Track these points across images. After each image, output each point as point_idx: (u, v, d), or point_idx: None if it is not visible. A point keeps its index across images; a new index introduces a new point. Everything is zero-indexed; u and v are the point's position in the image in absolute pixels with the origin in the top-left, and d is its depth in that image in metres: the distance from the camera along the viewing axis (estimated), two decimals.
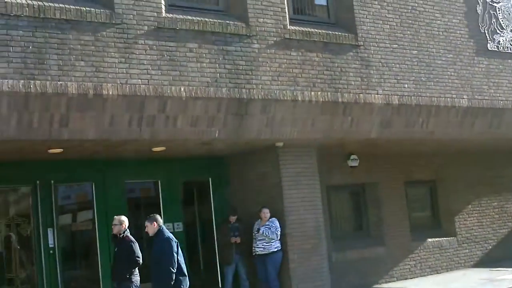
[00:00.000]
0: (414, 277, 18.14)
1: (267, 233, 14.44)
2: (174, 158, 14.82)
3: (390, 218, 18.04)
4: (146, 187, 15.42)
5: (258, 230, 14.57)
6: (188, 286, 10.76)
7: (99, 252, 14.12)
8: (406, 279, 17.95)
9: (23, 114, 10.85)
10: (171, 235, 10.78)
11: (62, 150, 12.62)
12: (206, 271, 15.77)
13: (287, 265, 14.61)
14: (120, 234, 11.42)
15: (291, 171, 14.88)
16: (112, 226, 11.63)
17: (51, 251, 13.57)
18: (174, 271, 10.44)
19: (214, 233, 15.61)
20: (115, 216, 11.78)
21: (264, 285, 14.60)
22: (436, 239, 19.00)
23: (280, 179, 14.75)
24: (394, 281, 17.71)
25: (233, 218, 14.97)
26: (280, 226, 14.52)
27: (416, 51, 15.54)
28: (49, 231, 13.62)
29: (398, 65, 15.14)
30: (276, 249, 14.50)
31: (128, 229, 11.56)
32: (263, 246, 14.57)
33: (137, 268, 11.38)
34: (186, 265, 14.82)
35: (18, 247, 13.59)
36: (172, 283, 10.40)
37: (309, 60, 13.91)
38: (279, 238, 14.47)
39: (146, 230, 11.00)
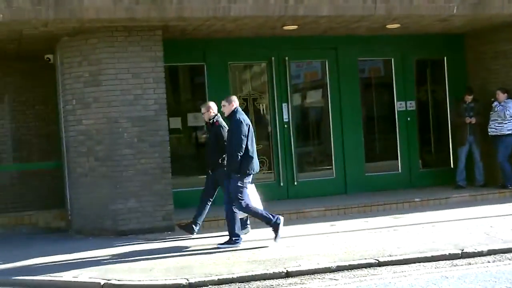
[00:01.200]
0: None
1: (499, 112, 14.02)
2: (408, 35, 14.55)
3: None
4: (377, 65, 15.37)
5: (493, 108, 14.19)
6: (257, 170, 10.48)
7: (331, 128, 14.48)
8: None
9: None
10: (244, 117, 10.40)
11: (296, 26, 12.89)
12: (438, 151, 15.67)
13: None
14: (210, 120, 11.17)
15: None
16: (202, 115, 11.43)
17: (285, 126, 14.15)
18: (240, 153, 10.14)
19: (447, 113, 15.31)
20: (202, 105, 11.57)
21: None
22: None
23: None
24: None
25: (468, 98, 14.57)
26: None
27: None
28: (284, 106, 14.16)
29: None
30: (508, 132, 14.05)
31: (218, 114, 11.14)
32: (495, 127, 14.21)
33: None
34: (416, 143, 14.93)
35: (255, 120, 14.28)
36: (238, 165, 10.17)
37: None
38: None
39: (222, 110, 10.77)
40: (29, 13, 10.84)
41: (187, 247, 10.53)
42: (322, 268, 8.93)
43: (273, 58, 14.06)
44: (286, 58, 14.13)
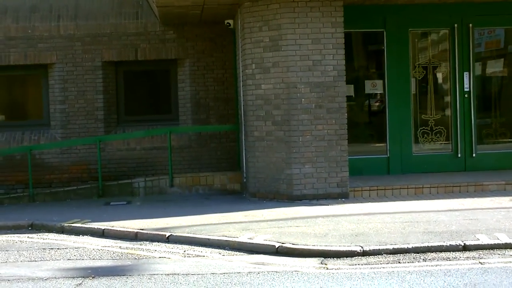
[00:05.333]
0: None
1: None
2: None
3: None
4: None
5: None
6: None
7: None
8: None
9: None
10: None
11: None
12: None
13: None
14: None
15: None
16: None
17: (465, 95, 13.67)
18: None
19: None
20: None
21: None
22: None
23: None
24: None
25: None
26: None
27: None
28: (465, 75, 13.67)
29: None
30: None
31: None
32: None
33: None
34: None
35: (433, 89, 13.91)
36: None
37: None
38: None
39: None
40: None
41: (361, 214, 10.47)
42: (503, 243, 8.56)
43: (456, 25, 13.56)
44: (470, 25, 13.58)
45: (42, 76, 15.11)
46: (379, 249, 8.46)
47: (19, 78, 15.39)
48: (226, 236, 9.34)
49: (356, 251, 8.44)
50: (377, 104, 14.07)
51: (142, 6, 15.07)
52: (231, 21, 13.97)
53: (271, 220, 10.30)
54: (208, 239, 9.36)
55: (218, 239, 9.29)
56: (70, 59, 14.91)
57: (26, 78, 15.44)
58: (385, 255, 8.37)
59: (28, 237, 10.48)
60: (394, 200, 11.52)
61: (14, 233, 10.81)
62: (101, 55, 14.93)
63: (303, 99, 11.83)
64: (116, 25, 14.96)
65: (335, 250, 8.50)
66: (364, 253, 8.41)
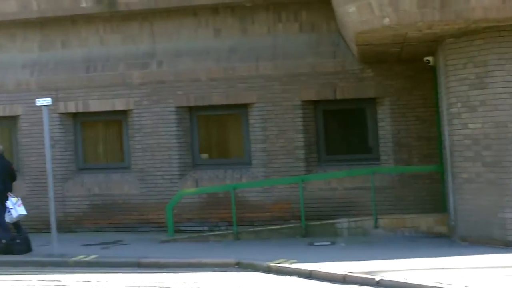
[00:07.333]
0: None
1: None
2: None
3: None
4: None
5: None
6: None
7: None
8: None
9: None
10: None
11: None
12: None
13: None
14: None
15: None
16: None
17: None
18: None
19: None
20: None
21: None
22: None
23: None
24: None
25: None
26: None
27: None
28: None
29: None
30: None
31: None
32: None
33: None
34: None
35: None
36: None
37: None
38: None
39: None
40: (415, 16, 10.99)
41: None
42: None
43: None
44: None
45: (243, 115, 15.47)
46: None
47: (220, 117, 15.92)
48: (440, 283, 8.98)
49: None
50: None
51: (338, 45, 15.08)
52: (430, 58, 13.69)
53: (487, 268, 9.82)
54: (421, 285, 9.06)
55: (432, 286, 8.96)
56: (270, 98, 15.15)
57: (227, 117, 15.93)
58: None
59: (235, 275, 10.65)
60: None
61: (221, 271, 11.01)
62: (299, 94, 15.06)
63: None
64: (313, 65, 15.06)
65: None
66: None
